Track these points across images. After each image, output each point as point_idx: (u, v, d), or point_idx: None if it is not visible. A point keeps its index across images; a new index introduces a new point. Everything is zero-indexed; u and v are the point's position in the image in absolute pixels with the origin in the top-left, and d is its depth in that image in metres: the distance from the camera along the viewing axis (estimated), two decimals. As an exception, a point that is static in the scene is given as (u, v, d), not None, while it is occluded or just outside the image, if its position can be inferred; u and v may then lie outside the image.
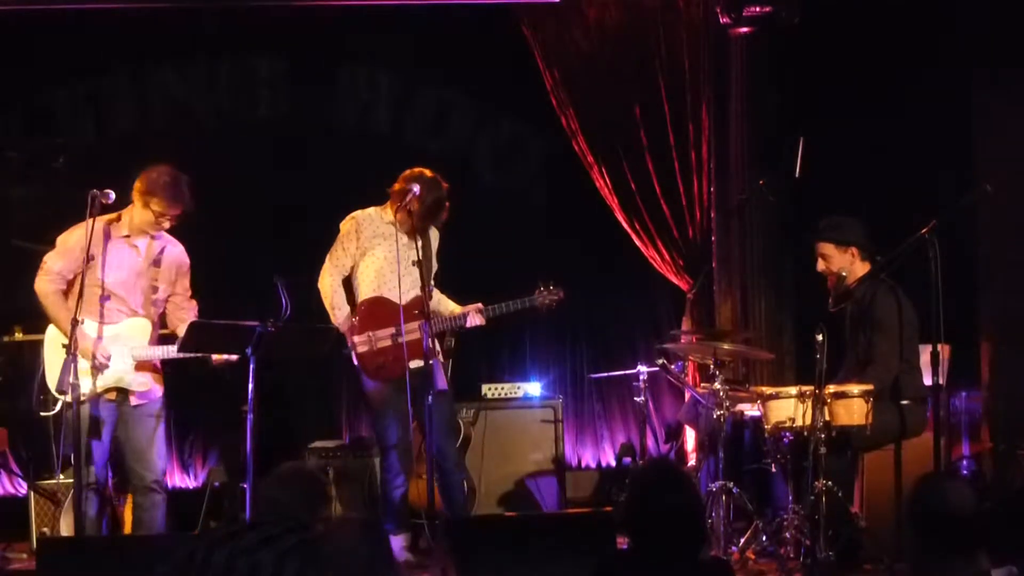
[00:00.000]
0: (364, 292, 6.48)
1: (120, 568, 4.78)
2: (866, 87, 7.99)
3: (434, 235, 6.58)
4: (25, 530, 7.11)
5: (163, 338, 6.17)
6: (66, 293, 5.92)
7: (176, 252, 6.17)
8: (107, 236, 5.95)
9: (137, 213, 5.97)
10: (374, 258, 6.43)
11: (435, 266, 6.57)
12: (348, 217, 6.52)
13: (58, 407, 5.82)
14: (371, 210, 6.50)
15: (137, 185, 5.95)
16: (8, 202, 8.10)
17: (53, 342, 5.91)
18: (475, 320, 6.51)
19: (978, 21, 7.66)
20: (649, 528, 3.59)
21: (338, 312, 6.45)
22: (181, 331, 6.04)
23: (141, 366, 5.98)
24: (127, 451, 6.00)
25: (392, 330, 6.34)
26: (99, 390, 5.81)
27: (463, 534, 5.29)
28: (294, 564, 3.75)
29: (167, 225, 6.01)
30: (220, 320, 6.00)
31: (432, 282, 6.54)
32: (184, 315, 6.14)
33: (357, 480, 7.37)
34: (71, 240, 5.93)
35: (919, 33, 7.77)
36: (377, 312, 6.40)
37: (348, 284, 6.57)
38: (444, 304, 6.61)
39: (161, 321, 6.18)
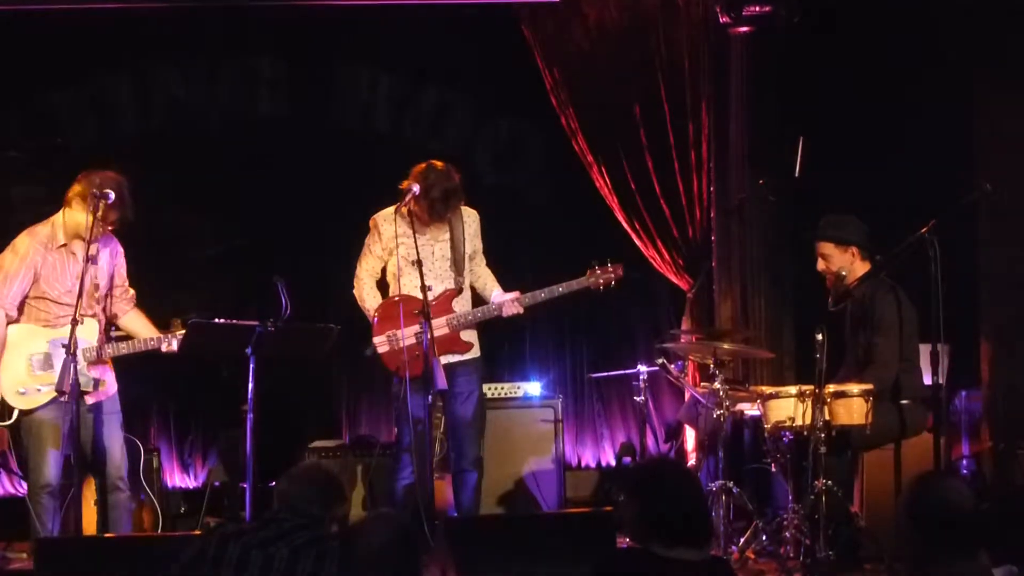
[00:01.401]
0: (391, 292, 6.47)
1: (120, 568, 4.78)
2: (866, 86, 7.99)
3: (469, 216, 6.49)
4: (25, 530, 7.10)
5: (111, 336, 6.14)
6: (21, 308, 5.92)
7: (109, 245, 6.11)
8: (45, 249, 5.91)
9: (70, 217, 5.88)
10: (397, 257, 6.39)
11: (468, 249, 6.43)
12: (372, 219, 6.48)
13: (14, 417, 5.80)
14: (390, 209, 6.45)
15: (76, 188, 5.86)
16: (8, 202, 8.10)
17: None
18: (512, 309, 6.40)
19: (978, 21, 7.65)
20: (657, 526, 3.58)
21: (370, 305, 6.42)
22: (123, 322, 6.10)
23: (94, 365, 5.95)
24: (88, 451, 5.97)
25: (417, 328, 6.23)
26: (54, 394, 5.74)
27: (463, 534, 5.29)
28: (308, 558, 3.77)
29: (100, 232, 5.87)
30: (220, 320, 6.01)
31: (482, 264, 6.53)
32: (124, 305, 6.14)
33: (357, 480, 7.37)
34: (11, 265, 5.90)
35: (919, 33, 7.77)
36: (398, 311, 6.33)
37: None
38: (489, 291, 6.52)
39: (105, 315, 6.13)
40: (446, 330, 6.27)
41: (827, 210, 6.58)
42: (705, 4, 8.22)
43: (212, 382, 7.64)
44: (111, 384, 6.04)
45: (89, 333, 5.93)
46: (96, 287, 5.99)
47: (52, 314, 5.86)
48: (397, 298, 6.36)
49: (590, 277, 6.45)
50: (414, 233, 6.20)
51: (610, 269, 6.47)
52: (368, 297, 6.47)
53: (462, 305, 6.43)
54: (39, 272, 5.90)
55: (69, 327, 5.72)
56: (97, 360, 5.96)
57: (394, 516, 3.69)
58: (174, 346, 5.99)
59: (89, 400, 5.92)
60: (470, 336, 6.40)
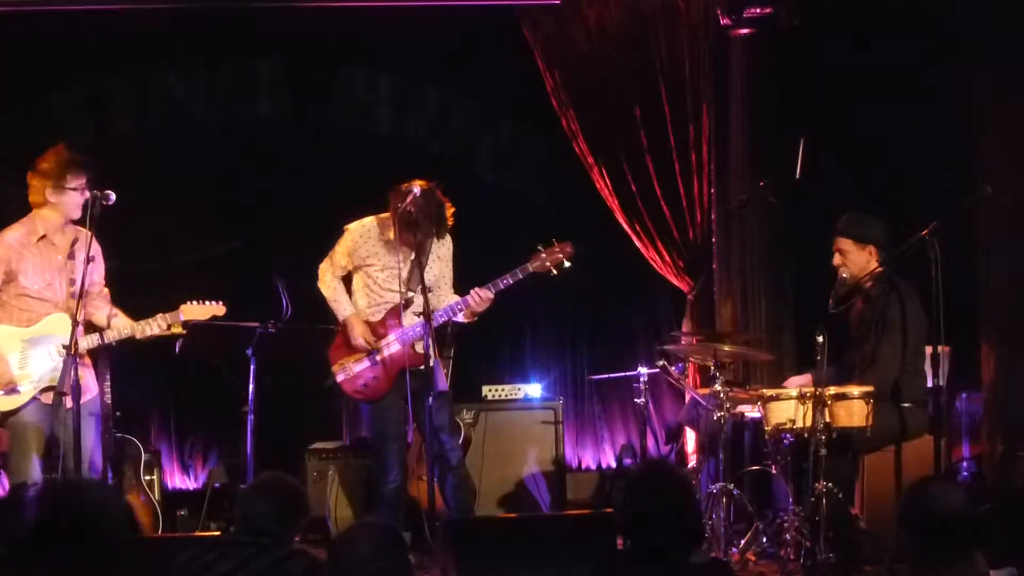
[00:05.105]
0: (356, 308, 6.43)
1: (119, 569, 4.76)
2: (866, 87, 7.99)
3: (442, 241, 6.37)
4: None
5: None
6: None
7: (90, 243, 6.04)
8: (21, 245, 5.86)
9: (47, 209, 5.87)
10: (366, 275, 6.31)
11: (436, 270, 6.29)
12: (347, 228, 6.38)
13: None
14: (370, 223, 6.35)
15: (36, 184, 5.90)
16: (8, 202, 8.09)
17: None
18: (481, 295, 6.17)
19: (978, 21, 7.65)
20: (639, 529, 3.58)
21: (343, 307, 6.30)
22: (97, 319, 5.98)
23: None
24: (68, 452, 5.85)
25: (362, 356, 6.27)
26: (34, 393, 5.73)
27: (463, 534, 5.29)
28: None
29: (80, 201, 5.82)
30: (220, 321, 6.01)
31: (450, 291, 6.40)
32: (99, 302, 6.04)
33: (357, 481, 7.37)
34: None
35: (919, 33, 7.76)
36: (349, 338, 6.32)
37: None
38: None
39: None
40: (398, 346, 6.23)
41: (828, 212, 6.57)
42: (706, 6, 8.22)
43: (213, 383, 7.65)
44: (91, 382, 5.96)
45: (60, 328, 5.79)
46: (72, 282, 5.90)
47: (32, 311, 5.79)
48: (335, 340, 6.32)
49: (534, 261, 6.24)
50: (415, 248, 6.08)
51: (556, 249, 6.24)
52: (336, 290, 6.29)
53: (410, 318, 6.26)
54: (15, 268, 5.83)
55: (42, 323, 5.75)
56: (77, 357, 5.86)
57: (378, 524, 3.57)
58: (165, 328, 5.92)
59: (68, 403, 5.75)
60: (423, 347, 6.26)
